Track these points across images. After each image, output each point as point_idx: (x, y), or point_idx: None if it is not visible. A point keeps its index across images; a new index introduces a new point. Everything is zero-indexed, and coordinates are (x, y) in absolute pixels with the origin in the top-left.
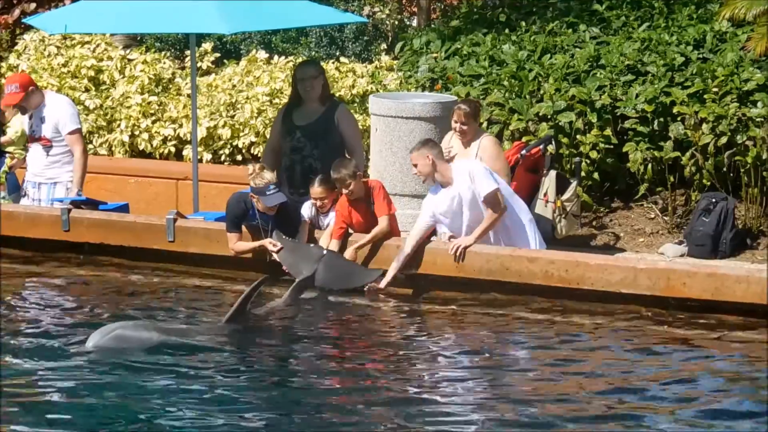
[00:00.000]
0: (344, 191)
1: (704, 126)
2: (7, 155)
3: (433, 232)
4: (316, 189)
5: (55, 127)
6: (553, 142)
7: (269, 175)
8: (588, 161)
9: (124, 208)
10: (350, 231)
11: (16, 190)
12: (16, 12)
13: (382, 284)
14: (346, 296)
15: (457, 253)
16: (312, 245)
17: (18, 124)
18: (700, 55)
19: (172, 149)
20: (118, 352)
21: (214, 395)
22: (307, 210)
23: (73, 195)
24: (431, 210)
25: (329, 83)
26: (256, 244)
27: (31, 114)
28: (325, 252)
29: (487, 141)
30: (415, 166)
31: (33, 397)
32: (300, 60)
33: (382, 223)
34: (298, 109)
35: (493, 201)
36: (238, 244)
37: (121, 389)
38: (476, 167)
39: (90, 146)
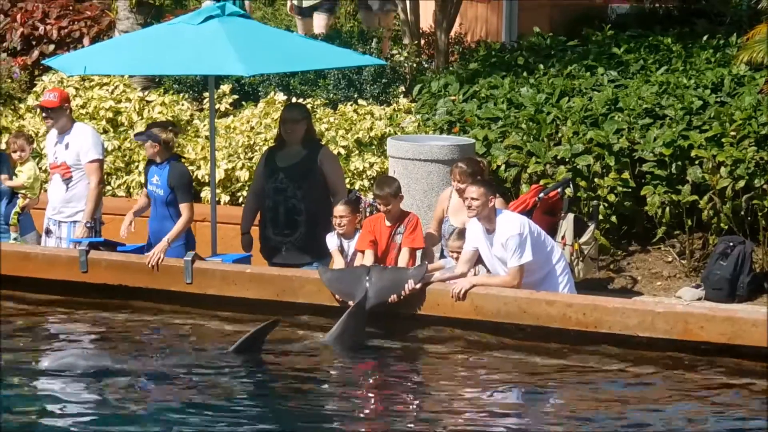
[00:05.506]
0: (382, 209)
1: (722, 170)
2: (19, 196)
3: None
4: (339, 207)
5: (77, 155)
6: (571, 185)
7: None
8: (606, 204)
9: (142, 250)
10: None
11: (30, 230)
12: (35, 53)
13: (418, 285)
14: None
15: (460, 296)
16: (355, 267)
17: (31, 169)
18: (718, 99)
19: None
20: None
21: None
22: (332, 240)
23: (82, 227)
24: (474, 238)
25: (348, 125)
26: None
27: (55, 141)
28: (369, 267)
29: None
30: (474, 199)
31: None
32: (318, 102)
33: (404, 255)
34: (281, 151)
35: (515, 274)
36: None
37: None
38: (514, 238)
39: (108, 188)
